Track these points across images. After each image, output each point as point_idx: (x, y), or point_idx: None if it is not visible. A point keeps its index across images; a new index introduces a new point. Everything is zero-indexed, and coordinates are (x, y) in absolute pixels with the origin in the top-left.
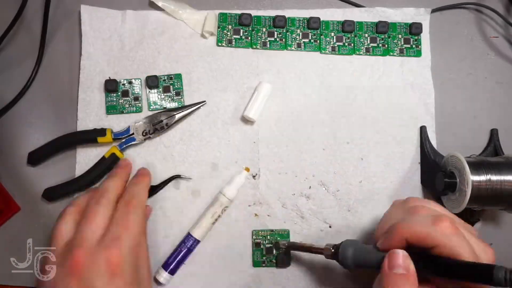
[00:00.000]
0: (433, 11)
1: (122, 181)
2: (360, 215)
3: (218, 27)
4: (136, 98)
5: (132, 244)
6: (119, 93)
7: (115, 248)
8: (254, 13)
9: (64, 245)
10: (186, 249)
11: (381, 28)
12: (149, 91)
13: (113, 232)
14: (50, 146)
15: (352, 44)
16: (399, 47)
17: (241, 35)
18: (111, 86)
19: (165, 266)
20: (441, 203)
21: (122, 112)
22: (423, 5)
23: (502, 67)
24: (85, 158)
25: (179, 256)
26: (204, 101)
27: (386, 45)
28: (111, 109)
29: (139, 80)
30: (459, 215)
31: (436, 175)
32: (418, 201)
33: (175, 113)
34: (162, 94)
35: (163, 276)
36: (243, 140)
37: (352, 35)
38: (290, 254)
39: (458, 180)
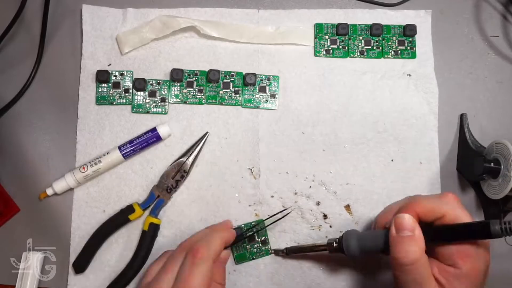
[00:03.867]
0: (433, 11)
1: (227, 237)
2: (360, 215)
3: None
4: (127, 90)
5: None
6: (110, 84)
7: None
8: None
9: (147, 284)
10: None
11: (375, 30)
12: (136, 93)
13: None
14: (88, 249)
15: (346, 47)
16: (393, 49)
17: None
18: (102, 76)
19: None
20: (479, 190)
21: (112, 103)
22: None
23: (502, 67)
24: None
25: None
26: (207, 133)
27: (381, 48)
28: (101, 100)
29: (131, 73)
30: (495, 202)
31: (475, 159)
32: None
33: (185, 159)
34: (148, 98)
35: None
36: (244, 140)
37: (346, 38)
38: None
39: (502, 166)
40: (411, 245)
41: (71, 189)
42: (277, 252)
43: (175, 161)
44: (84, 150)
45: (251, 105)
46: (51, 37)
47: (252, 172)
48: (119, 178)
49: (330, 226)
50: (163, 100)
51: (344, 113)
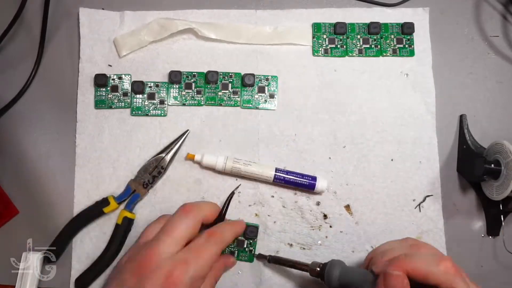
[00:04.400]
0: (433, 10)
1: (215, 210)
2: (360, 214)
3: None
4: (125, 94)
5: (196, 274)
6: (108, 88)
7: (179, 269)
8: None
9: (144, 243)
10: None
11: (373, 29)
12: (134, 96)
13: (185, 253)
14: (61, 239)
15: (345, 46)
16: (392, 47)
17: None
18: (100, 80)
19: None
20: (480, 190)
21: (111, 107)
22: (424, 6)
23: (502, 67)
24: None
25: None
26: (188, 130)
27: (379, 46)
28: (99, 104)
29: (129, 76)
30: (495, 203)
31: (476, 160)
32: (418, 240)
33: (164, 155)
34: (146, 101)
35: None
36: (243, 140)
37: (345, 37)
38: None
39: (503, 167)
40: None
41: (211, 168)
42: (260, 257)
43: (154, 156)
44: (83, 154)
45: (250, 105)
46: (50, 38)
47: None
48: (119, 181)
49: (330, 226)
50: (162, 102)
51: (343, 113)
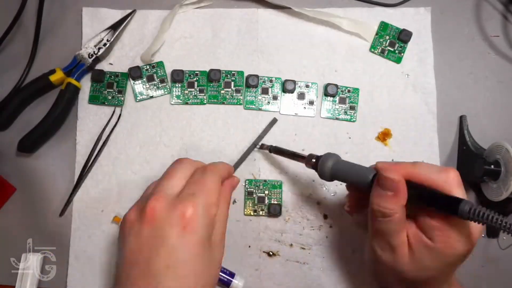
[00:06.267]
0: (433, 10)
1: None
2: None
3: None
4: (120, 92)
5: (206, 202)
6: (104, 84)
7: (189, 202)
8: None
9: (146, 196)
10: None
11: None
12: (134, 83)
13: (189, 188)
14: (10, 108)
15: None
16: (382, 46)
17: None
18: (97, 76)
19: None
20: (479, 192)
21: (104, 104)
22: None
23: (503, 66)
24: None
25: None
26: (134, 9)
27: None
28: (93, 99)
29: (125, 75)
30: (495, 204)
31: (476, 161)
32: None
33: (110, 29)
34: (147, 84)
35: None
36: (244, 140)
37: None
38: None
39: (503, 168)
40: (392, 203)
41: None
42: (262, 146)
43: (104, 30)
44: (84, 151)
45: (253, 106)
46: (52, 37)
47: (252, 172)
48: (119, 179)
49: (330, 226)
50: (162, 81)
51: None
